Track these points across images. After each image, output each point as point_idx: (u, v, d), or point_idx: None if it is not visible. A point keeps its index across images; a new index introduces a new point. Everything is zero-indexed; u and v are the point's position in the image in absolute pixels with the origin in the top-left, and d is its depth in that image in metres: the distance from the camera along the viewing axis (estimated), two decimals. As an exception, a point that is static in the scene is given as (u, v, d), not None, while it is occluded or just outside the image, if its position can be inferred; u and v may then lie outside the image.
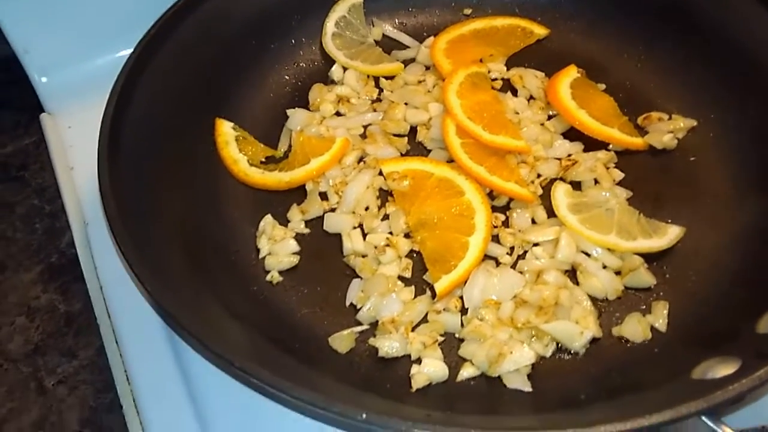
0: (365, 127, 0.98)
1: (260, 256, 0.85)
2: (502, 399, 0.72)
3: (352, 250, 0.85)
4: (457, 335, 0.78)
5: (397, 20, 1.10)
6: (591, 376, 0.73)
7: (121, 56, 0.88)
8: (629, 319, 0.78)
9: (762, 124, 0.90)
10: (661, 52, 1.00)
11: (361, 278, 0.82)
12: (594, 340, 0.76)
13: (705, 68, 0.97)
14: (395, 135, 0.97)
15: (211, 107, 0.95)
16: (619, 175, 0.91)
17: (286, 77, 1.04)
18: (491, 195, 0.89)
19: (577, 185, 0.90)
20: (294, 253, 0.85)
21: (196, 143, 0.92)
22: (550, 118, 0.97)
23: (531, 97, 1.00)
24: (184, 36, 0.93)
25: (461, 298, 0.80)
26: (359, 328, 0.78)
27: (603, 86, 1.00)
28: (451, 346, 0.77)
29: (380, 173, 0.91)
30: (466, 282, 0.80)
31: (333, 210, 0.89)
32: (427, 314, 0.79)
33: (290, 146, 0.96)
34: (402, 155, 0.95)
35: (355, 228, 0.87)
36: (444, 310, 0.79)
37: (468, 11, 1.10)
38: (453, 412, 0.69)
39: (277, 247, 0.85)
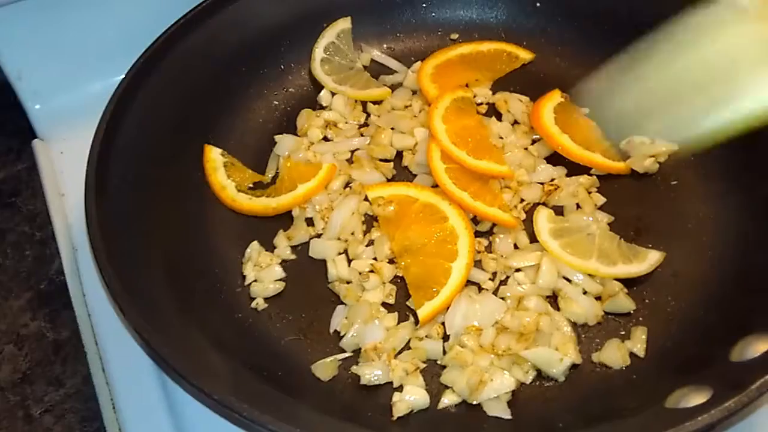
0: (352, 152, 0.99)
1: (246, 283, 0.86)
2: (483, 427, 0.73)
3: (337, 277, 0.86)
4: (438, 362, 0.79)
5: (385, 45, 1.12)
6: (570, 403, 0.74)
7: (113, 83, 0.89)
8: (608, 345, 0.79)
9: (743, 149, 0.91)
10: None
11: (345, 305, 0.83)
12: (574, 367, 0.77)
13: (687, 93, 0.98)
14: (381, 160, 0.98)
15: (199, 133, 0.97)
16: (600, 199, 0.92)
17: (275, 102, 1.05)
18: (475, 219, 0.90)
19: (559, 210, 0.91)
20: (279, 280, 0.86)
21: (185, 169, 0.93)
22: (534, 142, 0.99)
23: (515, 122, 1.01)
24: (173, 63, 0.95)
25: (443, 324, 0.81)
26: (342, 356, 0.79)
27: (587, 110, 1.01)
28: (432, 373, 0.78)
29: (366, 198, 0.92)
30: (448, 308, 0.81)
31: (319, 236, 0.91)
32: (409, 341, 0.80)
33: (278, 172, 0.97)
34: (388, 180, 0.96)
35: (340, 254, 0.88)
36: (426, 336, 0.80)
37: (455, 36, 1.12)
38: (433, 439, 0.70)
39: (263, 273, 0.86)
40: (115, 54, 0.97)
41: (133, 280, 0.73)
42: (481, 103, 1.04)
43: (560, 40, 1.08)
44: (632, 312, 0.82)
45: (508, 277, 0.85)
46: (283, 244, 0.90)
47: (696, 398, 0.62)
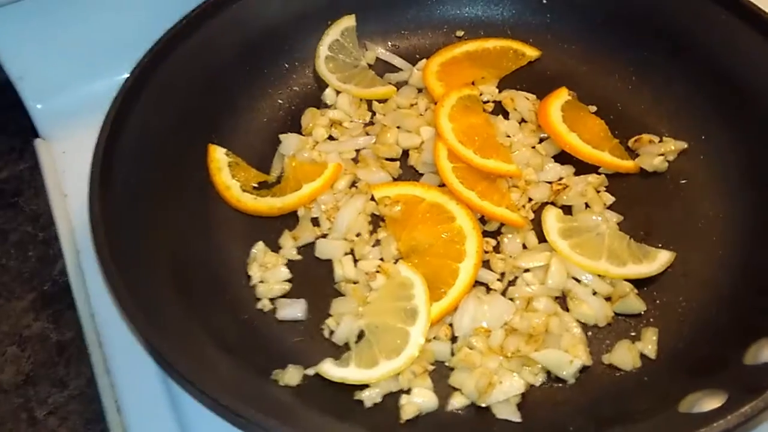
0: (357, 151, 0.98)
1: (251, 284, 0.85)
2: (492, 429, 0.72)
3: (344, 277, 0.85)
4: (447, 364, 0.78)
5: (390, 43, 1.10)
6: (580, 405, 0.73)
7: (116, 82, 0.88)
8: (619, 346, 0.78)
9: (752, 146, 0.90)
10: (651, 74, 1.01)
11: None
12: (584, 369, 0.76)
13: (695, 90, 0.97)
14: (387, 159, 0.97)
15: (204, 133, 0.96)
16: (609, 198, 0.91)
17: (279, 101, 1.04)
18: (482, 219, 0.89)
19: (568, 209, 0.90)
20: (285, 281, 0.85)
21: (189, 170, 0.92)
22: (541, 141, 0.98)
23: (522, 120, 1.00)
24: (177, 62, 0.94)
25: (451, 325, 0.80)
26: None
27: (594, 108, 1.00)
28: (441, 375, 0.77)
29: (372, 198, 0.91)
30: (456, 309, 0.80)
31: (325, 236, 0.90)
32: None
33: (283, 171, 0.96)
34: (394, 180, 0.95)
35: (346, 254, 0.87)
36: (434, 338, 0.79)
37: (460, 33, 1.10)
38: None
39: (269, 274, 0.85)
40: (118, 53, 0.96)
41: (137, 280, 0.72)
42: (488, 101, 1.03)
43: (567, 37, 1.07)
44: (643, 313, 0.81)
45: (516, 278, 0.84)
46: (288, 244, 0.89)
47: (710, 403, 0.61)
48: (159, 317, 0.69)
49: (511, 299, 0.82)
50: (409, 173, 0.96)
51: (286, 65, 1.06)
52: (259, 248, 0.88)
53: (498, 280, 0.84)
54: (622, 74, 1.03)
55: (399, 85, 1.05)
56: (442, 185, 0.92)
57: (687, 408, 0.64)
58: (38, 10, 0.99)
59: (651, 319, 0.80)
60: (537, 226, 0.88)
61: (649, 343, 0.78)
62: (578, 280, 0.83)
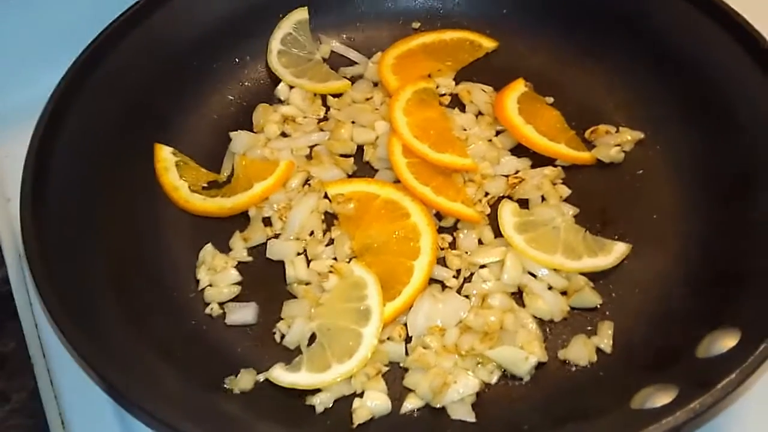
0: (311, 147, 0.96)
1: (199, 288, 0.83)
2: (446, 431, 0.70)
3: (296, 278, 0.83)
4: (401, 365, 0.77)
5: (344, 35, 1.08)
6: (536, 403, 0.72)
7: (57, 83, 0.85)
8: (575, 341, 0.77)
9: (708, 137, 0.90)
10: (609, 64, 1.00)
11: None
12: (540, 365, 0.75)
13: (653, 80, 0.96)
14: (341, 155, 0.95)
15: (150, 132, 0.93)
16: (566, 191, 0.90)
17: (230, 98, 1.01)
18: (438, 215, 0.88)
19: (524, 203, 0.89)
20: (235, 284, 0.83)
21: (134, 170, 0.89)
22: (498, 134, 0.96)
23: (479, 113, 0.99)
24: (118, 59, 0.91)
25: (405, 325, 0.78)
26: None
27: (551, 99, 0.99)
28: (395, 376, 0.76)
29: (325, 196, 0.89)
30: (410, 308, 0.79)
31: (277, 236, 0.87)
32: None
33: (233, 170, 0.93)
34: (348, 176, 0.93)
35: (299, 254, 0.85)
36: (388, 339, 0.78)
37: (417, 25, 1.08)
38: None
39: (218, 277, 0.83)
40: (58, 54, 0.92)
41: (74, 294, 0.68)
42: (444, 94, 1.01)
43: (524, 28, 1.05)
44: (598, 306, 0.80)
45: (472, 274, 0.83)
46: (239, 245, 0.86)
47: (662, 398, 0.61)
48: (93, 326, 0.66)
49: (467, 296, 0.81)
50: (364, 170, 0.94)
51: (237, 60, 1.03)
52: (208, 251, 0.85)
53: (454, 277, 0.83)
54: (579, 64, 1.01)
55: (354, 79, 1.03)
56: (397, 181, 0.90)
57: (639, 404, 0.63)
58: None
59: (607, 313, 0.79)
60: (494, 220, 0.87)
61: (605, 337, 0.77)
62: (534, 275, 0.81)
